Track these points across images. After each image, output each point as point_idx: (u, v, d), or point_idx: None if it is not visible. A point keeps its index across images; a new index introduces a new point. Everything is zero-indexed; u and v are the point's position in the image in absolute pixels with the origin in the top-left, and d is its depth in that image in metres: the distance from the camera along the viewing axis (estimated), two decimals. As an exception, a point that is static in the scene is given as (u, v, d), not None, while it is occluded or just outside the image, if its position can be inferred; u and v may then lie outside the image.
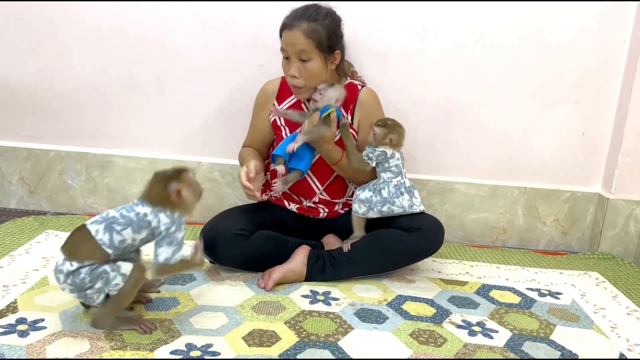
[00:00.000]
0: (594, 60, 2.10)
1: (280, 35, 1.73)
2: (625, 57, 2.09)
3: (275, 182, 1.74)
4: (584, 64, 2.10)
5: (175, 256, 1.38)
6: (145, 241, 1.40)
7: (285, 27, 1.71)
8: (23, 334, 1.33)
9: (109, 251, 1.32)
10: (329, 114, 1.70)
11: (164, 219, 1.36)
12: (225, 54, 2.10)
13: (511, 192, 2.20)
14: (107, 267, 1.32)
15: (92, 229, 1.33)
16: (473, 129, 2.16)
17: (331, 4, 1.78)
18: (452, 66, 2.11)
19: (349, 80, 1.88)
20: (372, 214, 1.78)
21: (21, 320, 1.39)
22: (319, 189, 1.86)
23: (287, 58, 1.73)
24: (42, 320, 1.40)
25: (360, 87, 1.87)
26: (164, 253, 1.37)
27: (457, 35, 2.08)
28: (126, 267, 1.34)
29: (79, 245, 1.33)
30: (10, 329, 1.35)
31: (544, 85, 2.12)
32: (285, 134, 1.83)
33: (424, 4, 2.05)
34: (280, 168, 1.72)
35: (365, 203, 1.78)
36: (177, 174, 1.39)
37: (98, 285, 1.32)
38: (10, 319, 1.40)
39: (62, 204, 2.27)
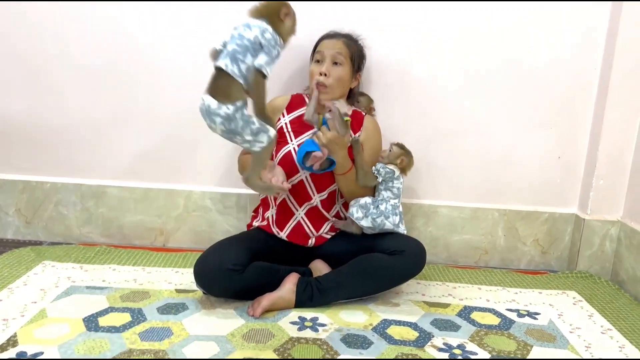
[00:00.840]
0: (567, 88, 2.19)
1: (316, 46, 1.98)
2: (597, 84, 2.18)
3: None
4: (558, 91, 2.20)
5: (268, 66, 1.50)
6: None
7: (327, 37, 1.99)
8: (24, 368, 1.40)
9: (241, 81, 1.48)
10: (347, 120, 1.80)
11: (268, 35, 1.51)
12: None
13: (492, 214, 2.29)
14: (255, 120, 1.51)
15: (222, 64, 1.48)
16: (454, 154, 2.25)
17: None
18: (433, 95, 2.20)
19: (354, 107, 2.02)
20: (365, 222, 1.87)
21: (22, 354, 1.45)
22: (314, 196, 1.94)
23: (318, 61, 1.94)
24: (42, 353, 1.46)
25: (364, 114, 2.03)
26: (261, 59, 1.49)
27: (437, 67, 2.18)
28: (272, 131, 1.54)
29: (225, 85, 1.48)
30: (10, 363, 1.41)
31: (521, 112, 2.21)
32: (290, 139, 1.93)
33: (406, 38, 2.14)
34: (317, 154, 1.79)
35: (363, 209, 1.87)
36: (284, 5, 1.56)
37: (247, 136, 1.51)
38: (11, 352, 1.45)
39: (58, 233, 2.33)
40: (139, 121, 2.23)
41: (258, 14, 1.55)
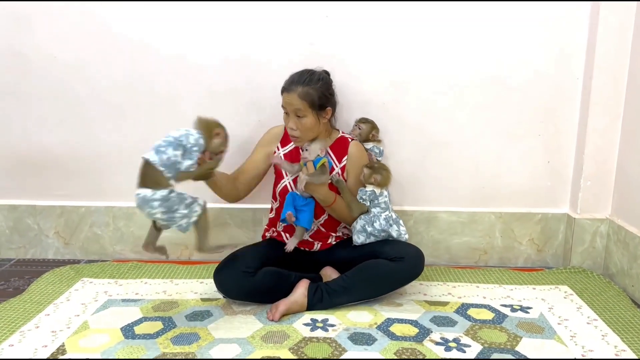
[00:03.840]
0: (552, 97, 2.37)
1: (282, 95, 2.05)
2: (580, 93, 2.35)
3: (287, 243, 2.09)
4: (544, 101, 2.37)
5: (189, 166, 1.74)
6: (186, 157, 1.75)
7: (284, 90, 2.04)
8: (74, 373, 1.63)
9: (162, 169, 1.67)
10: (322, 163, 2.00)
11: (192, 139, 1.75)
12: (228, 113, 2.38)
13: (488, 217, 2.47)
14: (187, 195, 1.72)
15: (148, 155, 1.70)
16: (449, 163, 2.44)
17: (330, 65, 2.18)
18: (426, 110, 2.39)
19: (341, 134, 2.19)
20: (370, 239, 2.09)
21: (71, 361, 1.69)
22: (315, 221, 2.15)
23: (287, 113, 2.06)
24: None
25: (350, 140, 2.17)
26: (186, 164, 1.74)
27: (429, 85, 2.36)
28: (202, 200, 1.77)
29: (154, 175, 1.68)
30: (62, 369, 1.64)
31: (509, 122, 2.39)
32: (285, 174, 2.13)
33: (399, 61, 2.34)
34: (290, 218, 2.04)
35: (362, 233, 2.08)
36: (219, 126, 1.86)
37: (183, 210, 1.69)
38: (62, 360, 1.70)
39: (94, 252, 2.58)
40: (162, 147, 2.46)
41: (196, 125, 1.83)
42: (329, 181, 2.06)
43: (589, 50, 2.29)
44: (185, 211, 1.71)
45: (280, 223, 2.17)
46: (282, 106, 2.06)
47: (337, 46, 2.33)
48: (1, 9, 2.35)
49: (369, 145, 2.24)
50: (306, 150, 2.03)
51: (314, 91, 2.01)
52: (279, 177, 2.17)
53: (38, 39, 2.37)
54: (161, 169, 1.67)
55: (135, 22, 2.34)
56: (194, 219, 1.74)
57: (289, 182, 2.12)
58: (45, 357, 1.69)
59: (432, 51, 2.33)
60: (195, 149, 1.75)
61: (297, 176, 2.05)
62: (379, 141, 2.28)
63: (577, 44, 2.31)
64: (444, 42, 2.32)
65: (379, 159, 2.24)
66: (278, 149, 2.19)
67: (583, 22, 2.29)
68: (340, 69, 2.32)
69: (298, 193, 2.05)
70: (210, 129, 1.84)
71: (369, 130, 2.24)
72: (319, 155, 2.02)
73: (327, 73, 2.15)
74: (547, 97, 2.36)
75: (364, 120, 2.25)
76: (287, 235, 2.18)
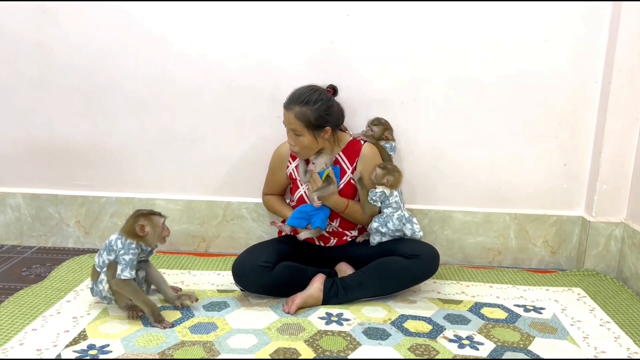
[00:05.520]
0: (569, 100, 2.38)
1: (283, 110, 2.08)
2: (598, 96, 2.36)
3: (303, 232, 2.14)
4: (561, 104, 2.38)
5: (122, 273, 1.85)
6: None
7: (284, 106, 2.06)
8: (94, 358, 1.67)
9: (98, 269, 1.91)
10: (327, 174, 2.06)
11: (119, 244, 1.87)
12: (248, 109, 2.45)
13: (503, 218, 2.48)
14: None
15: (95, 258, 1.95)
16: (465, 163, 2.46)
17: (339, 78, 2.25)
18: (443, 110, 2.41)
19: (352, 136, 2.21)
20: (386, 238, 2.13)
21: (91, 346, 1.72)
22: (331, 223, 2.19)
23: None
24: (108, 345, 1.73)
25: (362, 143, 2.19)
26: (119, 270, 1.86)
27: (447, 84, 2.38)
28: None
29: (94, 272, 1.94)
30: (84, 354, 1.68)
31: (526, 123, 2.41)
32: (299, 185, 2.18)
33: (418, 60, 2.36)
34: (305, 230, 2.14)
35: (377, 234, 2.13)
36: (148, 214, 1.92)
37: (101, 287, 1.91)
38: (83, 345, 1.73)
39: (113, 242, 2.63)
40: (181, 141, 2.51)
41: (120, 233, 1.91)
42: (338, 190, 2.11)
43: (609, 53, 2.29)
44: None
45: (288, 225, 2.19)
46: (283, 122, 2.09)
47: (356, 45, 2.35)
48: (28, 1, 2.40)
49: (381, 143, 2.27)
50: (312, 163, 2.09)
51: (310, 112, 2.01)
52: (295, 187, 2.22)
53: (64, 32, 2.42)
54: (97, 269, 1.93)
55: (158, 18, 2.39)
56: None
57: (304, 192, 2.18)
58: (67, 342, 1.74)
59: (451, 51, 2.35)
60: (128, 253, 1.87)
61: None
62: (393, 140, 2.30)
63: (596, 47, 2.32)
64: (463, 43, 2.34)
65: (390, 153, 2.26)
66: (290, 163, 2.23)
67: (604, 24, 2.29)
68: (359, 67, 2.35)
69: (311, 203, 2.11)
70: (131, 230, 1.89)
71: (381, 132, 2.26)
72: (323, 167, 2.08)
73: (332, 89, 2.17)
74: (565, 99, 2.37)
75: (376, 122, 2.26)
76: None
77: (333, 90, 2.17)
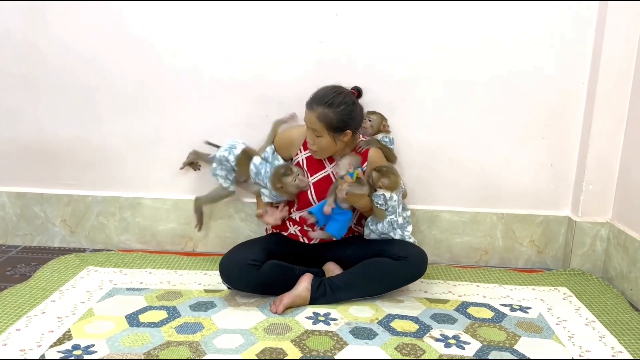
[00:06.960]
0: (557, 101, 2.39)
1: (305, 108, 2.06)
2: (584, 98, 2.38)
3: (314, 231, 2.16)
4: (549, 105, 2.39)
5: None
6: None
7: (307, 105, 2.04)
8: (79, 358, 1.65)
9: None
10: (357, 175, 2.03)
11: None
12: (236, 108, 2.43)
13: (490, 218, 2.49)
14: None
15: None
16: (454, 164, 2.46)
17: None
18: (433, 110, 2.42)
19: (361, 138, 2.21)
20: (374, 236, 2.13)
21: (76, 347, 1.70)
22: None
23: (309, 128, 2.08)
24: (93, 345, 1.71)
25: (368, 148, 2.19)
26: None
27: (436, 85, 2.39)
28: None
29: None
30: (68, 354, 1.66)
31: (514, 125, 2.42)
32: (307, 177, 2.17)
33: (406, 60, 2.37)
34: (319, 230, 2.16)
35: (367, 228, 2.14)
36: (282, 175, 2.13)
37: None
38: (68, 345, 1.71)
39: (99, 241, 2.60)
40: (169, 140, 2.49)
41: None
42: (367, 192, 2.07)
43: (595, 54, 2.31)
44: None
45: (304, 211, 2.17)
46: (304, 119, 2.08)
47: (345, 44, 2.35)
48: (15, 1, 2.37)
49: (379, 136, 2.25)
50: (337, 165, 2.09)
51: (333, 114, 1.99)
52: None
53: (52, 31, 2.40)
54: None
55: (147, 18, 2.37)
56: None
57: (310, 185, 2.16)
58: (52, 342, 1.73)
59: (439, 52, 2.36)
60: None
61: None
62: (389, 132, 2.29)
63: (583, 49, 2.34)
64: (452, 43, 2.35)
65: (391, 147, 2.26)
66: (300, 151, 2.22)
67: (591, 26, 2.31)
68: (348, 66, 2.35)
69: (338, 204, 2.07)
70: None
71: (379, 122, 2.25)
72: (348, 170, 2.05)
73: (357, 91, 2.15)
74: (552, 100, 2.39)
75: (372, 112, 2.27)
76: (290, 223, 2.23)
77: (357, 92, 2.15)
